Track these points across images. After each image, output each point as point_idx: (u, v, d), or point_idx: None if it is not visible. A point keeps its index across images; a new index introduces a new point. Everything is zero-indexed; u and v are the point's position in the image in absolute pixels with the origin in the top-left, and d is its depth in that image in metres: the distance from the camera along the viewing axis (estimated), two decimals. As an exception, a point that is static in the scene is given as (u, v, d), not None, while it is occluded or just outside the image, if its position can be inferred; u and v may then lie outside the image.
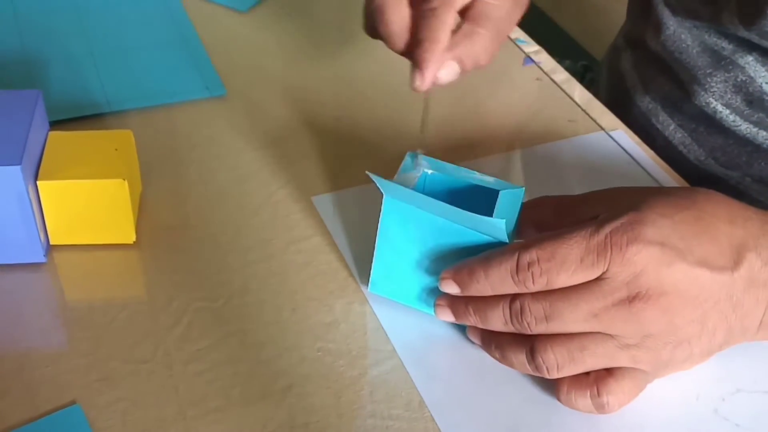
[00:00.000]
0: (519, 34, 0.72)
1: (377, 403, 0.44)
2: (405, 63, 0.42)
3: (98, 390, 0.43)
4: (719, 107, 0.65)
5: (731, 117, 0.64)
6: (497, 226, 0.43)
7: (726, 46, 0.64)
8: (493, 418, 0.43)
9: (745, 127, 0.64)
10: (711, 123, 0.67)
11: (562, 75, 0.67)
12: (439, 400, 0.44)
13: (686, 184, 0.58)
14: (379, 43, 0.47)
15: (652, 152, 0.61)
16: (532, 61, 0.69)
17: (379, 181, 0.44)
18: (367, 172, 0.44)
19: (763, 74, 0.62)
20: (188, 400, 0.43)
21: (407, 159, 0.47)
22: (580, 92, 0.66)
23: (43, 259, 0.50)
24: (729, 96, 0.64)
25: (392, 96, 0.65)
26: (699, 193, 0.44)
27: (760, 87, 0.63)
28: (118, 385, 0.44)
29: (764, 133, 0.64)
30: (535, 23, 0.68)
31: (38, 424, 0.42)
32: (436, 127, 0.62)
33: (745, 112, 0.64)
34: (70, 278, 0.50)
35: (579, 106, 0.65)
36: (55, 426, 0.42)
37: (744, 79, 0.63)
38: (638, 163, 0.59)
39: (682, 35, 0.66)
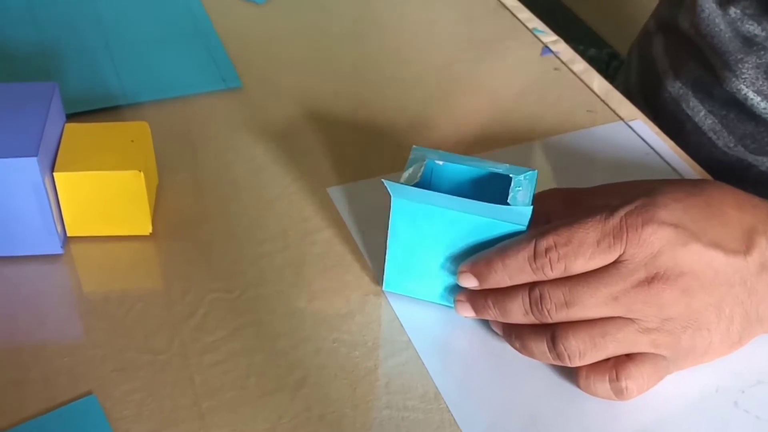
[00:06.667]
0: (537, 23, 0.72)
1: (393, 395, 0.43)
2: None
3: (114, 380, 0.44)
4: (750, 94, 0.64)
5: (763, 104, 0.64)
6: (522, 213, 0.42)
7: (759, 33, 0.63)
8: (509, 410, 0.43)
9: None
10: (742, 109, 0.66)
11: (580, 65, 0.67)
12: (454, 391, 0.44)
13: (706, 175, 0.58)
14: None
15: (671, 142, 0.60)
16: (550, 51, 0.68)
17: (390, 186, 0.43)
18: (382, 179, 0.44)
19: None
20: (204, 391, 0.43)
21: (413, 153, 0.46)
22: (598, 82, 0.65)
23: (60, 251, 0.50)
24: (761, 82, 0.63)
25: (407, 88, 0.64)
26: (706, 182, 0.45)
27: None
28: (134, 375, 0.44)
29: None
30: (555, 15, 0.67)
31: (54, 414, 0.42)
32: (452, 118, 0.62)
33: None
34: (86, 270, 0.50)
35: (598, 96, 0.64)
36: (72, 416, 0.42)
37: None
38: (657, 153, 0.59)
39: (716, 19, 0.65)
